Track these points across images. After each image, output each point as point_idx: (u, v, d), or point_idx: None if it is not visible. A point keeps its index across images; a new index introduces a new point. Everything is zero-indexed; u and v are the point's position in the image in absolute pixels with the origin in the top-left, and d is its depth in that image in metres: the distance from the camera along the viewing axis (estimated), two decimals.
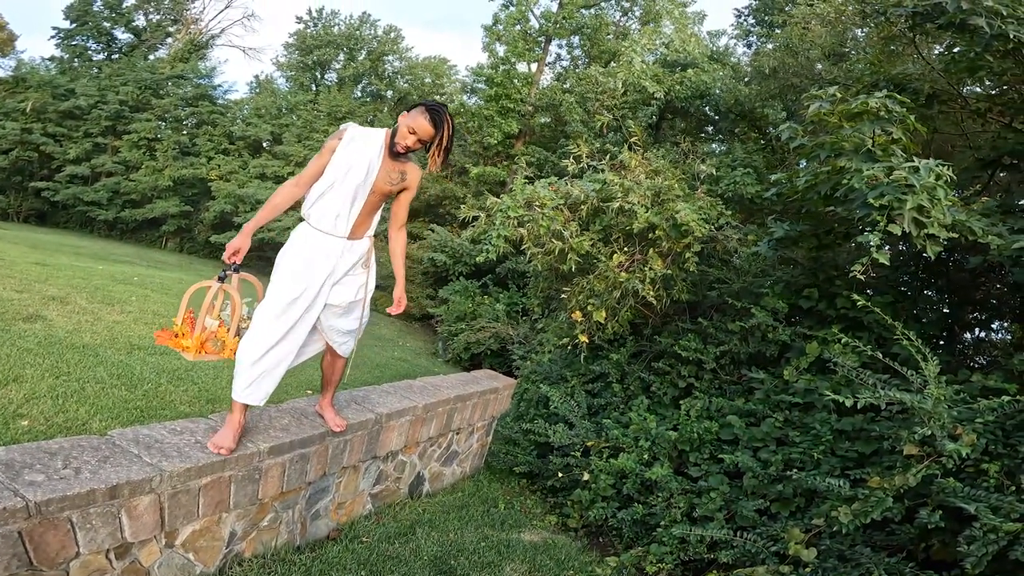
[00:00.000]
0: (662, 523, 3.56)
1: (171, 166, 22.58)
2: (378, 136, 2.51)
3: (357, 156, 2.48)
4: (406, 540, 3.29)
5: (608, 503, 3.95)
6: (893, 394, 2.82)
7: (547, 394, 4.77)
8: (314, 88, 26.01)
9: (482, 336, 10.25)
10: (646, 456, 3.86)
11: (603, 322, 4.42)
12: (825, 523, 2.89)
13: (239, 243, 2.38)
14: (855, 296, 3.23)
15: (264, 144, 23.73)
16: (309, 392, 3.49)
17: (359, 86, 26.48)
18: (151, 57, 26.35)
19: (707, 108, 8.91)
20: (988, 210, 3.36)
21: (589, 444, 4.27)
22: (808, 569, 2.92)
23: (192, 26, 27.73)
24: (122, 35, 27.17)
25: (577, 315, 4.47)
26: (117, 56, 26.50)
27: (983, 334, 4.39)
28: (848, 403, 2.80)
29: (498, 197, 4.71)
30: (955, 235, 2.99)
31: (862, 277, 3.08)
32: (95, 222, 23.40)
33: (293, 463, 2.69)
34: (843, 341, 3.24)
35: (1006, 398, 2.73)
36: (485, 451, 4.86)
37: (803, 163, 4.13)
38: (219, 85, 28.18)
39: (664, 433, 3.83)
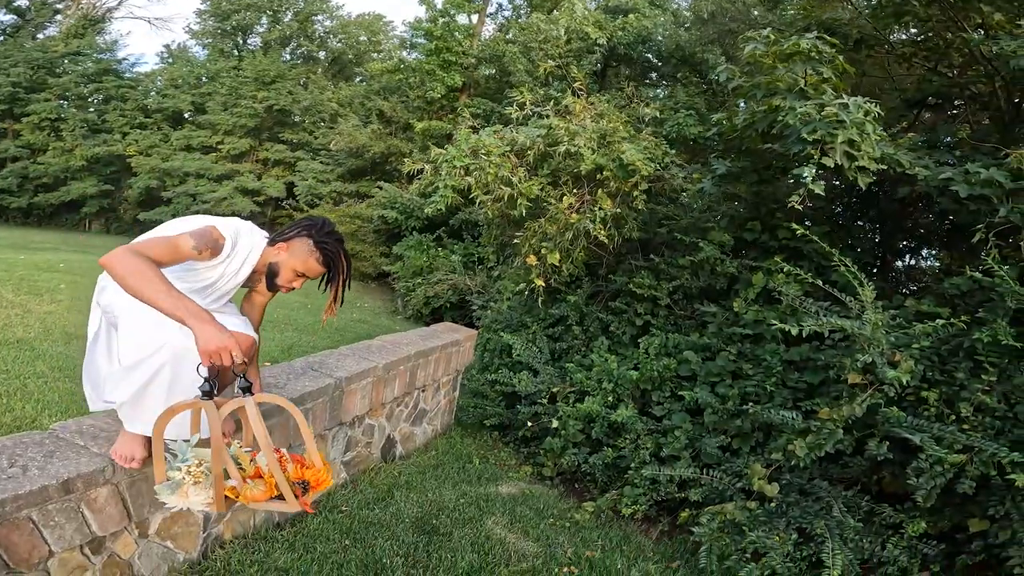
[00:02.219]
0: (632, 465, 3.73)
1: (81, 146, 21.47)
2: (250, 262, 2.05)
3: (220, 277, 2.03)
4: (385, 505, 3.34)
5: (579, 449, 4.12)
6: (835, 321, 2.99)
7: (509, 342, 4.86)
8: (237, 54, 24.71)
9: (440, 289, 10.30)
10: (610, 398, 4.01)
11: (558, 264, 4.49)
12: (784, 457, 3.08)
13: (222, 335, 1.67)
14: (794, 226, 3.40)
15: (186, 115, 22.63)
16: (267, 363, 3.49)
17: (287, 48, 25.22)
18: (40, 36, 24.31)
19: (649, 54, 8.99)
20: (914, 145, 3.55)
21: (555, 390, 4.40)
22: (773, 504, 3.10)
23: (84, 1, 25.89)
24: (4, 16, 24.86)
25: (531, 259, 4.53)
26: (1, 39, 24.24)
27: (913, 261, 4.70)
28: (794, 331, 2.96)
29: (443, 149, 4.70)
30: (884, 167, 3.16)
31: (800, 208, 3.23)
32: (8, 210, 22.09)
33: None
34: (785, 270, 3.40)
35: (940, 322, 2.91)
36: (454, 406, 4.95)
37: (741, 104, 4.28)
38: (124, 59, 26.09)
39: (626, 373, 3.97)
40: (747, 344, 3.80)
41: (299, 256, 2.00)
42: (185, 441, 1.81)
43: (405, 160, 5.39)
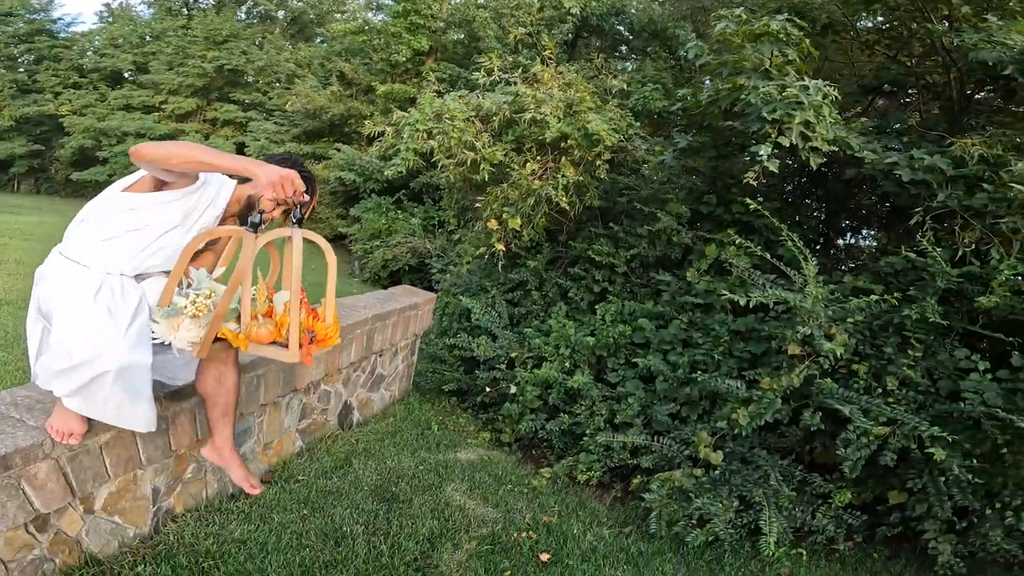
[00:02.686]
0: (588, 432, 3.82)
1: (9, 106, 20.62)
2: (225, 194, 2.00)
3: (194, 207, 1.97)
4: (344, 473, 3.31)
5: (536, 415, 4.18)
6: (779, 293, 3.10)
7: (468, 306, 4.86)
8: (186, 12, 23.30)
9: (399, 252, 10.13)
10: (567, 364, 4.08)
11: (519, 229, 4.49)
12: (727, 426, 3.20)
13: (274, 170, 1.70)
14: (747, 200, 3.49)
15: (126, 74, 21.56)
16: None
17: (244, 7, 23.88)
18: None
19: (621, 27, 8.84)
20: (865, 130, 3.66)
21: (513, 355, 4.45)
22: (717, 472, 3.22)
23: None
24: None
25: (492, 223, 4.52)
26: None
27: (853, 240, 4.90)
28: (741, 302, 3.06)
29: (406, 112, 4.54)
30: (835, 149, 3.25)
31: (754, 184, 3.31)
32: None
33: (202, 408, 2.46)
34: (737, 243, 3.49)
35: (873, 297, 3.03)
36: (412, 372, 4.90)
37: (707, 81, 4.26)
38: (59, 18, 24.82)
39: (583, 339, 4.04)
40: (698, 313, 3.93)
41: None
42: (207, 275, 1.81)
43: (366, 122, 5.18)
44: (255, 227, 1.71)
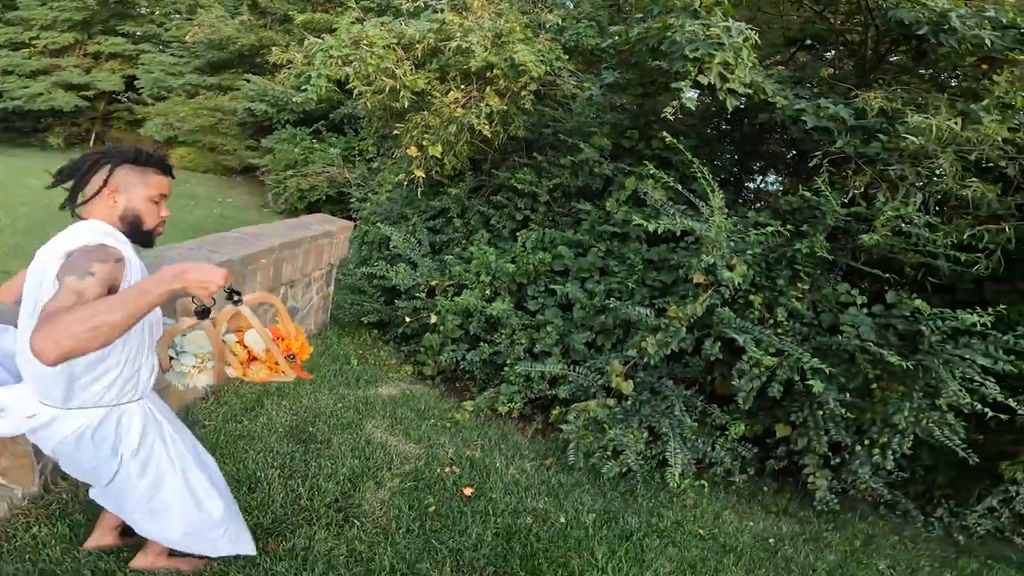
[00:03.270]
0: (508, 362, 3.84)
1: None
2: (127, 246, 1.63)
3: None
4: (255, 415, 3.15)
5: (457, 345, 4.16)
6: (686, 222, 3.19)
7: (387, 234, 4.68)
8: None
9: (316, 182, 9.52)
10: (488, 292, 4.07)
11: (440, 157, 4.31)
12: (637, 354, 3.28)
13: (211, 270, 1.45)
14: (665, 134, 3.52)
15: None
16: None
17: None
18: None
19: None
20: (782, 79, 3.76)
21: (433, 283, 4.38)
22: (629, 402, 3.32)
23: None
24: None
25: (412, 150, 4.36)
26: None
27: (762, 184, 5.06)
28: (650, 227, 3.12)
29: (319, 39, 4.08)
30: (751, 92, 3.31)
31: (672, 119, 3.35)
32: None
33: None
34: (653, 175, 3.53)
35: (770, 228, 3.17)
36: (329, 304, 4.65)
37: (641, 18, 4.10)
38: None
39: (503, 266, 4.02)
40: (615, 242, 4.00)
41: (138, 182, 1.63)
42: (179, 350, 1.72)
43: (273, 49, 4.61)
44: (205, 314, 1.56)
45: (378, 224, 5.06)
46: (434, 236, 4.91)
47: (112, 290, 1.45)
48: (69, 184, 1.59)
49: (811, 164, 3.43)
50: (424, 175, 4.44)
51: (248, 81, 12.42)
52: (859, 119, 3.35)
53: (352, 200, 7.93)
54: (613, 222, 3.97)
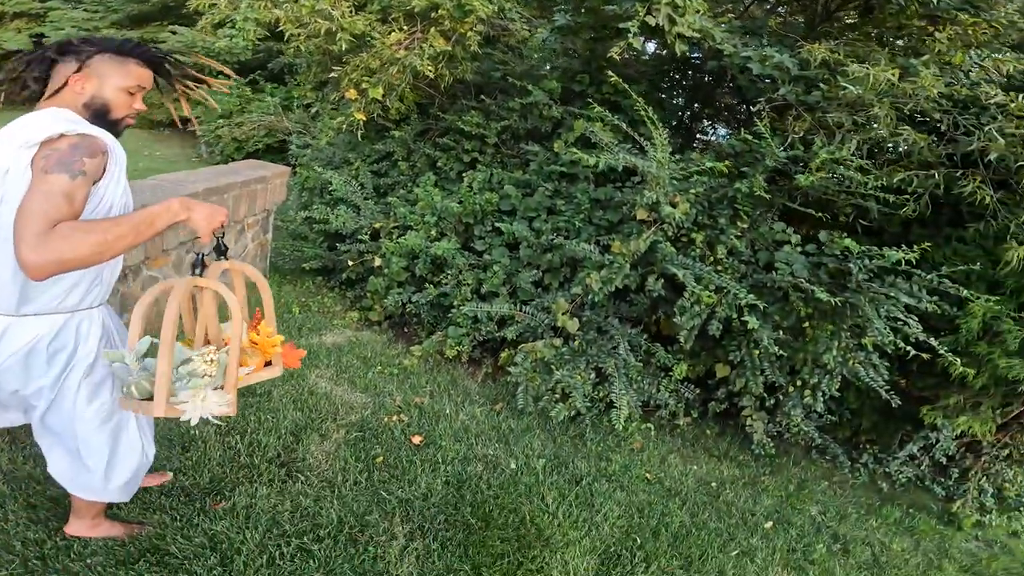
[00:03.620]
0: (455, 303, 3.73)
1: None
2: (109, 136, 1.47)
3: (117, 185, 1.49)
4: None
5: (404, 288, 4.02)
6: (629, 158, 3.16)
7: (327, 178, 4.37)
8: None
9: (251, 130, 8.86)
10: (434, 232, 3.94)
11: (380, 99, 4.00)
12: (582, 291, 3.24)
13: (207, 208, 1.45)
14: (614, 76, 3.44)
15: None
16: None
17: None
18: None
19: None
20: (732, 29, 3.71)
21: (378, 226, 4.21)
22: (576, 343, 3.27)
23: None
24: None
25: (351, 93, 4.10)
26: None
27: (713, 136, 5.03)
28: (593, 162, 3.12)
29: None
30: (700, 37, 3.28)
31: (617, 58, 3.35)
32: None
33: None
34: (602, 117, 3.47)
35: (710, 164, 3.19)
36: (267, 251, 4.35)
37: None
38: None
39: (449, 206, 3.89)
40: (563, 183, 3.94)
41: (112, 71, 1.49)
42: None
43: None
44: (202, 266, 1.43)
45: (318, 169, 4.78)
46: (378, 179, 4.70)
47: (96, 181, 1.36)
48: (30, 73, 1.46)
49: (755, 110, 3.41)
50: (365, 118, 4.18)
51: (174, 33, 11.37)
52: (803, 70, 3.37)
53: (292, 147, 7.44)
54: (561, 163, 3.90)
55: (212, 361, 1.42)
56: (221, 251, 1.51)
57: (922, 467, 3.56)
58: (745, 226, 3.26)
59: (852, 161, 3.03)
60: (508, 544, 2.29)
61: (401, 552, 2.16)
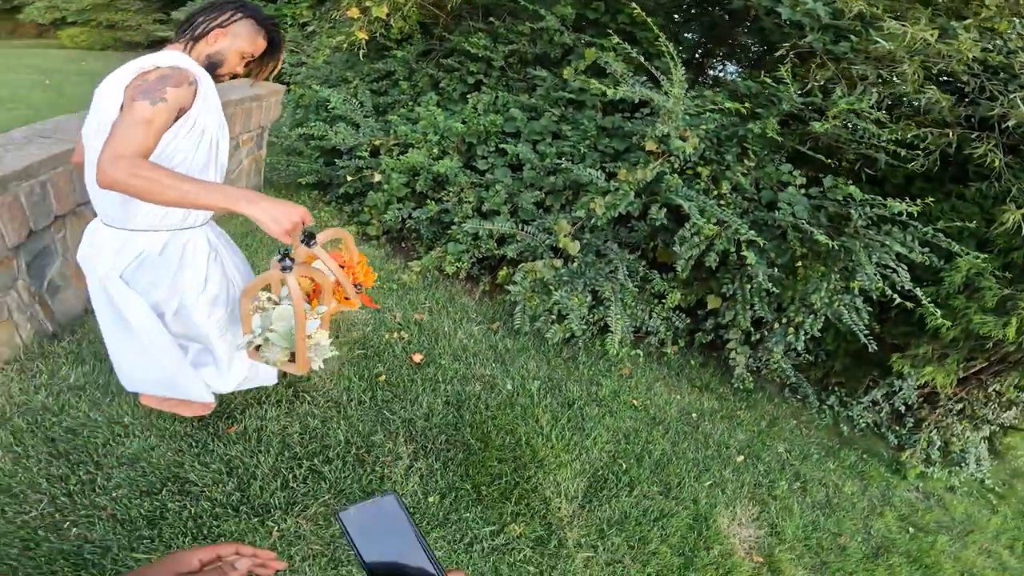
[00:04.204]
0: (456, 220, 3.60)
1: None
2: (203, 72, 1.55)
3: (211, 114, 1.57)
4: None
5: (403, 204, 3.84)
6: (645, 91, 3.00)
7: (325, 96, 4.05)
8: None
9: None
10: (436, 150, 3.74)
11: (385, 18, 3.60)
12: (585, 215, 3.13)
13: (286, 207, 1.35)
14: (635, 6, 3.23)
15: None
16: None
17: None
18: None
19: None
20: None
21: (377, 143, 3.99)
22: (575, 264, 3.17)
23: None
24: None
25: (353, 11, 3.83)
26: None
27: (722, 72, 4.80)
28: (610, 93, 2.94)
29: None
30: None
31: None
32: None
33: None
34: (616, 48, 3.30)
35: (727, 104, 3.03)
36: (261, 166, 4.08)
37: None
38: None
39: (452, 125, 3.69)
40: (570, 109, 3.76)
41: (246, 37, 1.61)
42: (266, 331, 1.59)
43: None
44: (289, 268, 1.47)
45: (315, 87, 4.46)
46: (377, 98, 4.42)
47: (181, 112, 1.44)
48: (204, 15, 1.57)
49: (777, 54, 3.26)
50: (367, 37, 3.90)
51: None
52: (835, 19, 3.17)
53: (285, 65, 6.86)
54: (570, 89, 3.69)
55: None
56: (306, 242, 1.49)
57: (881, 414, 3.60)
58: (752, 164, 3.16)
59: (870, 113, 2.90)
60: (505, 464, 2.29)
61: (406, 472, 2.16)
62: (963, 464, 3.53)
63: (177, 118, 1.43)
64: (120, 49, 11.25)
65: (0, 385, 2.00)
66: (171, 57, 1.47)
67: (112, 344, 1.81)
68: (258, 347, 1.59)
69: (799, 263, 3.08)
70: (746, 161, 3.14)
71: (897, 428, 3.62)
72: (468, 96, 3.94)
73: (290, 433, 2.13)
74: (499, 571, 1.89)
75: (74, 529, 1.67)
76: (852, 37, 3.08)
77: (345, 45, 3.97)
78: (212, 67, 1.58)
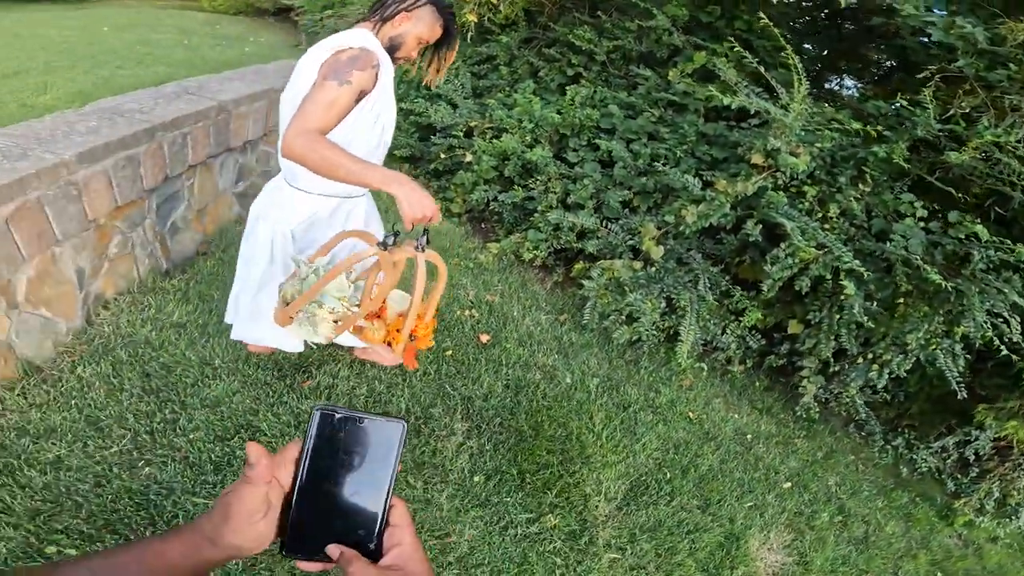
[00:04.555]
0: (539, 208, 3.44)
1: None
2: (384, 55, 1.52)
3: (385, 98, 1.55)
4: None
5: (490, 186, 3.70)
6: (762, 103, 2.74)
7: None
8: None
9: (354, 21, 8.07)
10: (528, 138, 3.57)
11: (495, 3, 3.40)
12: (674, 221, 2.92)
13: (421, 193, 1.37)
14: (761, 14, 2.92)
15: None
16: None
17: None
18: None
19: None
20: None
21: (473, 125, 3.87)
22: (654, 269, 2.99)
23: None
24: None
25: None
26: None
27: (837, 86, 4.34)
28: (726, 102, 2.69)
29: None
30: None
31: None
32: None
33: (119, 169, 1.88)
34: (734, 49, 2.98)
35: (855, 126, 2.70)
36: None
37: None
38: None
39: (548, 115, 3.51)
40: (670, 111, 3.48)
41: (426, 22, 1.56)
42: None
43: None
44: (385, 245, 1.35)
45: (421, 65, 4.23)
46: (477, 81, 4.31)
47: (362, 95, 1.44)
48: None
49: (920, 76, 2.86)
50: (475, 20, 3.76)
51: None
52: (994, 44, 2.76)
53: None
54: (672, 91, 3.41)
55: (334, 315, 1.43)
56: (420, 247, 1.34)
57: (948, 460, 3.23)
58: (867, 189, 2.79)
59: (1015, 148, 2.50)
60: (553, 456, 2.18)
61: (458, 448, 2.08)
62: (1015, 516, 3.13)
63: (359, 100, 1.44)
64: (250, 15, 11.73)
65: (111, 315, 2.02)
66: (361, 37, 1.47)
67: (243, 292, 1.81)
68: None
69: (901, 300, 2.72)
70: (861, 185, 2.78)
71: (959, 476, 3.26)
72: (566, 87, 3.73)
73: (357, 395, 2.08)
74: (527, 558, 1.82)
75: (147, 468, 1.65)
76: (1011, 65, 2.65)
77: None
78: (392, 50, 1.55)
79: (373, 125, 1.51)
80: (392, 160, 4.32)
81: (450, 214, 3.83)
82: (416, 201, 1.32)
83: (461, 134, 3.80)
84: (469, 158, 3.66)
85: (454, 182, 3.78)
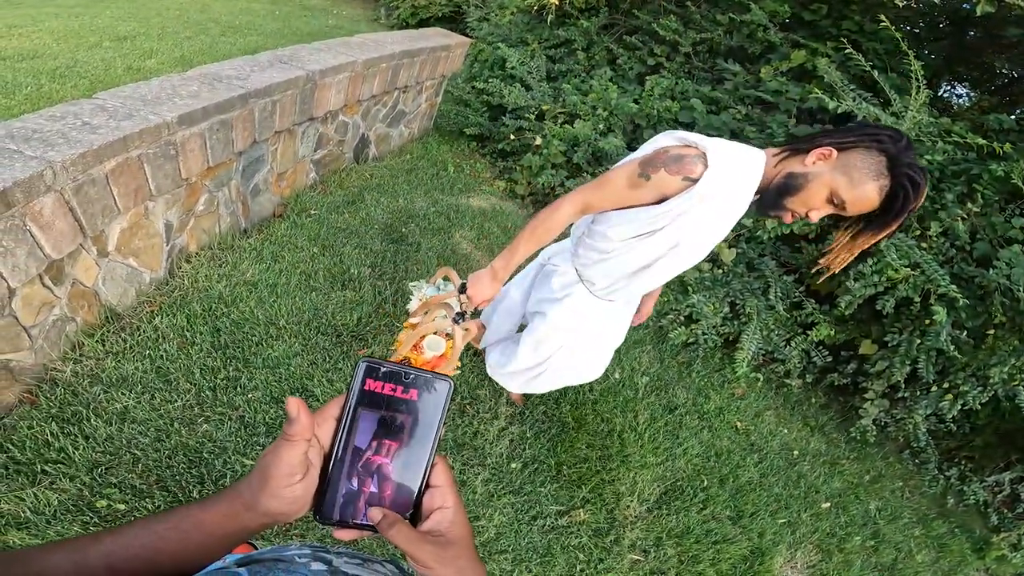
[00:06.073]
0: None
1: None
2: (749, 184, 1.07)
3: (703, 224, 1.12)
4: (355, 208, 2.63)
5: (557, 171, 3.36)
6: (871, 109, 2.30)
7: (505, 55, 3.61)
8: None
9: None
10: (602, 126, 3.20)
11: None
12: (751, 225, 2.55)
13: (491, 291, 1.25)
14: (882, 16, 2.47)
15: None
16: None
17: None
18: None
19: None
20: None
21: (545, 108, 3.52)
22: (721, 271, 2.67)
23: None
24: None
25: None
26: None
27: (946, 93, 3.58)
28: (831, 105, 2.27)
29: None
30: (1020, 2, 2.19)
31: (900, 3, 2.36)
32: None
33: (213, 132, 1.82)
34: (843, 51, 2.55)
35: (972, 139, 2.23)
36: (434, 112, 3.83)
37: None
38: None
39: (624, 104, 3.13)
40: (758, 109, 3.03)
41: (853, 175, 0.98)
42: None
43: None
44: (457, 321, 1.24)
45: (498, 44, 4.00)
46: (552, 65, 3.91)
47: (662, 199, 1.10)
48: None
49: None
50: (556, 3, 3.40)
51: None
52: None
53: (468, 20, 6.45)
54: (763, 89, 2.95)
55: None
56: (456, 319, 1.24)
57: (999, 495, 2.82)
58: (975, 209, 2.31)
59: None
60: (592, 451, 2.00)
61: (499, 433, 1.91)
62: None
63: (660, 202, 1.10)
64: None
65: (191, 269, 1.92)
66: (719, 149, 1.05)
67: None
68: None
69: (991, 331, 2.27)
70: (969, 204, 2.31)
71: (1005, 511, 2.84)
72: (645, 77, 3.32)
73: None
74: (551, 549, 1.67)
75: (204, 426, 1.53)
76: None
77: (535, 8, 3.49)
78: (780, 190, 1.05)
79: (664, 244, 1.15)
80: (461, 138, 4.09)
81: (513, 195, 3.54)
82: (482, 290, 1.24)
83: (532, 116, 3.47)
84: (539, 141, 3.33)
85: (521, 163, 3.46)
